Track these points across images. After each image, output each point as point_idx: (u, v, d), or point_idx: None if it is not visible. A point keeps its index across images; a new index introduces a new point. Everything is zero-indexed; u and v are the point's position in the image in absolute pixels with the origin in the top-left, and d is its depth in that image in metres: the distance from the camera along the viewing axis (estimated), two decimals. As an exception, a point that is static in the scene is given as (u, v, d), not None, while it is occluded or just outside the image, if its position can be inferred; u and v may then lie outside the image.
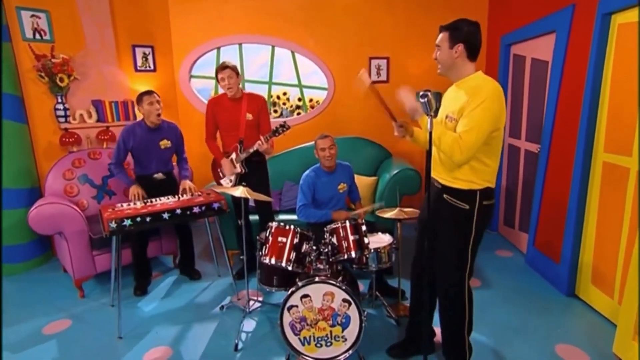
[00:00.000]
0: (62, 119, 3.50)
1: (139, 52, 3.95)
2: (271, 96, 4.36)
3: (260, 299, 2.80)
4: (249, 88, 4.32)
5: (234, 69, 2.79)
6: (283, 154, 3.92)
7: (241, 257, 2.52)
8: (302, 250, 2.18)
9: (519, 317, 2.51)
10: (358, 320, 2.05)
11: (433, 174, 1.84)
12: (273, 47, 4.26)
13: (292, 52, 4.26)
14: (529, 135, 3.33)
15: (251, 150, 2.77)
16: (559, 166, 2.80)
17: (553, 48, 2.84)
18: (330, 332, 2.08)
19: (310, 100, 4.40)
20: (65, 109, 3.50)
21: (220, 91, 3.07)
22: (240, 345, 2.28)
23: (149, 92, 2.76)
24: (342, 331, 2.07)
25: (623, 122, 2.29)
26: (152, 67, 4.05)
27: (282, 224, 2.23)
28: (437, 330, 2.17)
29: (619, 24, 2.32)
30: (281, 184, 3.75)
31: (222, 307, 2.71)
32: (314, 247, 2.21)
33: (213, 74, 4.29)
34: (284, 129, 2.69)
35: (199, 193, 2.82)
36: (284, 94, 4.37)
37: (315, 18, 4.12)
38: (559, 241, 2.79)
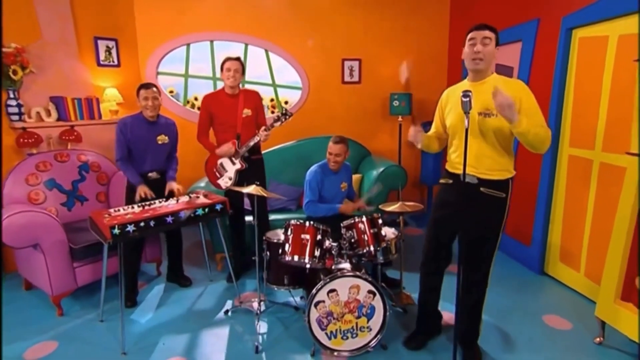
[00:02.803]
0: (15, 117, 3.09)
1: (102, 45, 3.63)
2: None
3: (264, 299, 2.76)
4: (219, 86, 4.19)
5: (242, 64, 2.80)
6: (264, 154, 3.86)
7: (253, 258, 2.47)
8: (324, 247, 2.22)
9: (503, 296, 2.80)
10: (382, 310, 2.15)
11: (469, 169, 1.85)
12: (246, 45, 4.18)
13: (266, 51, 4.23)
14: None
15: (251, 144, 2.74)
16: (528, 160, 3.16)
17: (519, 55, 3.21)
18: (356, 323, 2.15)
19: (272, 100, 4.38)
20: (19, 106, 3.10)
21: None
22: (260, 348, 2.24)
23: (146, 86, 2.64)
24: (368, 322, 2.15)
25: (585, 120, 2.68)
26: (116, 62, 3.74)
27: (300, 221, 2.25)
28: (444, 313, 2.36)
29: (580, 37, 2.71)
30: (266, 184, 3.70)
31: (227, 311, 2.62)
32: (335, 243, 2.26)
33: (182, 72, 4.14)
34: (286, 117, 2.70)
35: (197, 196, 2.69)
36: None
37: (290, 17, 4.14)
38: (530, 227, 3.16)
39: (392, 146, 4.44)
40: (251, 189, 2.34)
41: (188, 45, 4.06)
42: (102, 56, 3.63)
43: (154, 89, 2.65)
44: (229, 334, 2.39)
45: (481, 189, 1.88)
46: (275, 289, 2.52)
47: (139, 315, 2.61)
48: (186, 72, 4.14)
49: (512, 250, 3.39)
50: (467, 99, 1.62)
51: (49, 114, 3.26)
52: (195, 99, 4.21)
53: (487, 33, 1.80)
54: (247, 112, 2.82)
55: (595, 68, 2.59)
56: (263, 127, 2.76)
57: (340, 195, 2.85)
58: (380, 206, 2.69)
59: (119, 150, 2.65)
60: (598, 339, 2.25)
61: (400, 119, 4.21)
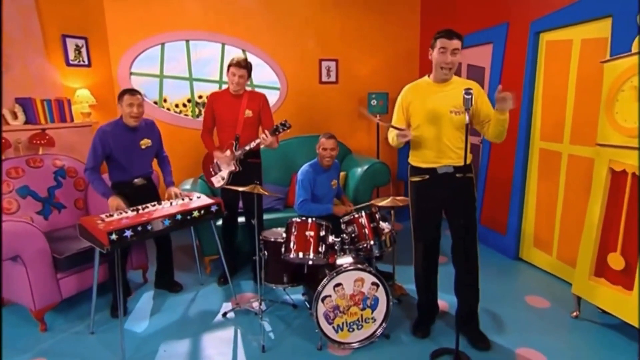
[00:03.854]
0: (-22, 121, 2.86)
1: (71, 43, 3.43)
2: (200, 96, 4.19)
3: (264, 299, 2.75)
4: (197, 87, 4.12)
5: (248, 69, 2.77)
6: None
7: (253, 257, 2.46)
8: (328, 242, 2.26)
9: (487, 281, 2.95)
10: (385, 300, 2.23)
11: (445, 161, 2.09)
12: (223, 45, 4.12)
13: (244, 51, 4.19)
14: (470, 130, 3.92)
15: (247, 148, 2.72)
16: (501, 155, 3.40)
17: (491, 57, 3.44)
18: (361, 315, 2.21)
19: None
20: (-20, 108, 2.86)
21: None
22: (265, 347, 2.24)
23: (131, 92, 2.50)
24: (372, 313, 2.22)
25: (553, 116, 2.93)
26: (86, 62, 3.54)
27: (303, 218, 2.28)
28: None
29: (547, 40, 2.96)
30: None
31: (225, 313, 2.59)
32: (337, 239, 2.31)
33: (157, 72, 4.00)
34: (285, 127, 2.70)
35: (190, 198, 2.63)
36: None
37: (267, 18, 4.13)
38: (505, 216, 3.40)
39: (370, 144, 4.57)
40: (246, 188, 2.33)
41: (162, 44, 3.93)
42: (71, 55, 3.43)
43: (139, 96, 2.51)
44: (232, 336, 2.37)
45: (457, 175, 2.08)
46: (274, 287, 2.53)
47: (132, 324, 2.51)
48: (161, 73, 4.00)
49: (490, 240, 3.61)
50: (470, 96, 1.75)
51: (15, 116, 3.03)
52: (165, 100, 4.08)
53: (456, 43, 1.98)
54: (248, 113, 2.81)
55: (561, 68, 2.84)
56: (266, 131, 2.69)
57: (331, 193, 2.91)
58: (372, 201, 2.78)
59: (92, 160, 2.46)
60: (575, 313, 2.48)
61: (378, 117, 4.34)
